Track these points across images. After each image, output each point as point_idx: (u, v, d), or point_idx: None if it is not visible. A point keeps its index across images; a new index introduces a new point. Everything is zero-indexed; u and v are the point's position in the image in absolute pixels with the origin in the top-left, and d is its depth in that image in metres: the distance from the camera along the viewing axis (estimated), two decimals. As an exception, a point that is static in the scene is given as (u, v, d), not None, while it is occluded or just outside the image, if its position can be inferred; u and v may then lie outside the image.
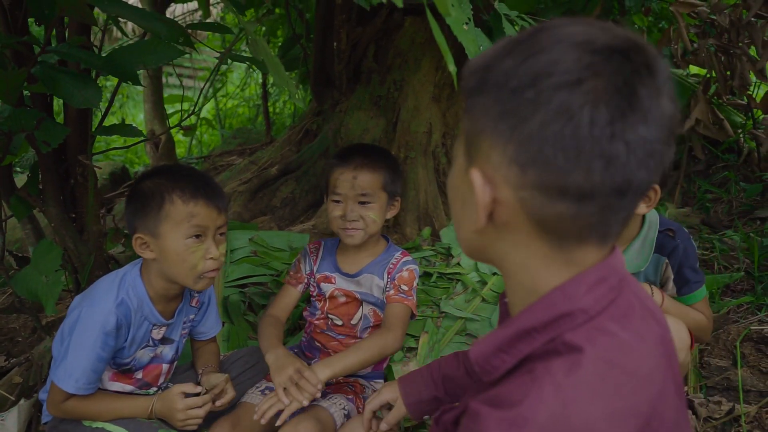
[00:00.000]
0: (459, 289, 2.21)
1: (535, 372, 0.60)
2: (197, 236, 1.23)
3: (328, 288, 1.61)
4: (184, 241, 1.21)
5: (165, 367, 1.41)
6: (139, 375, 1.37)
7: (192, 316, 1.45)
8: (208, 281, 1.28)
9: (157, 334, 1.35)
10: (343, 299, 1.60)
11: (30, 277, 1.54)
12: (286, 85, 1.25)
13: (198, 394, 1.30)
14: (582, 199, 0.57)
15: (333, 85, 3.02)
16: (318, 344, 1.64)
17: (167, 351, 1.39)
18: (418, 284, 1.58)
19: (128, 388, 1.36)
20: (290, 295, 1.64)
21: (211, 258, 1.24)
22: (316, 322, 1.64)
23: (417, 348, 1.87)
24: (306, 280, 1.65)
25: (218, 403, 1.35)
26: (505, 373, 0.66)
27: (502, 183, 0.60)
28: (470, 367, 0.99)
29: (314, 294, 1.65)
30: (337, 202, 1.51)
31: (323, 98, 3.09)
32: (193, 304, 1.44)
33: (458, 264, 2.39)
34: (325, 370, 1.34)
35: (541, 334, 0.62)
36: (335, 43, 2.78)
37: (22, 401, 1.57)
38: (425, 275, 2.32)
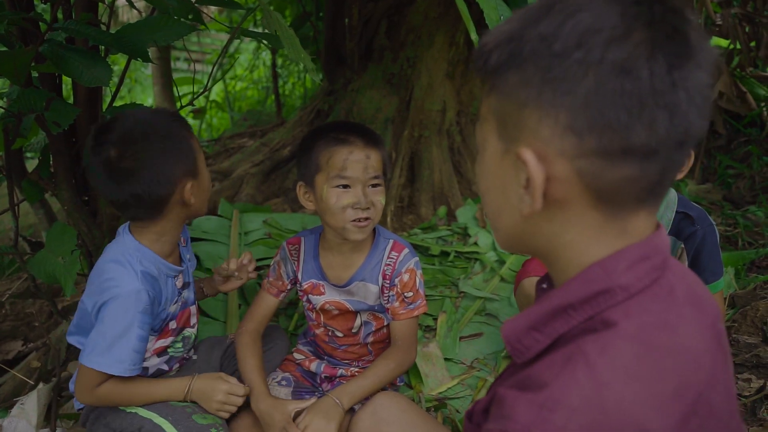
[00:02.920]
0: (477, 269, 2.18)
1: (567, 351, 0.56)
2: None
3: (318, 300, 1.45)
4: (207, 168, 1.29)
5: (192, 308, 1.41)
6: (173, 325, 1.36)
7: (188, 256, 1.45)
8: None
9: (179, 282, 1.34)
10: (336, 312, 1.45)
11: (46, 260, 1.52)
12: (300, 59, 1.20)
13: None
14: (647, 157, 0.54)
15: (345, 64, 2.96)
16: (325, 350, 1.54)
17: (187, 294, 1.39)
18: (422, 275, 1.43)
19: (169, 340, 1.35)
20: (269, 306, 1.48)
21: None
22: (317, 331, 1.52)
23: (436, 328, 1.84)
24: (288, 288, 1.49)
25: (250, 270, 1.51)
26: (539, 353, 0.62)
27: (556, 156, 0.56)
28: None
29: (303, 300, 1.51)
30: (345, 187, 1.28)
31: (335, 77, 3.03)
32: (183, 244, 1.43)
33: (476, 243, 2.35)
34: (347, 402, 1.30)
35: (578, 312, 0.59)
36: (346, 20, 2.71)
37: (40, 385, 1.57)
38: (443, 254, 2.28)
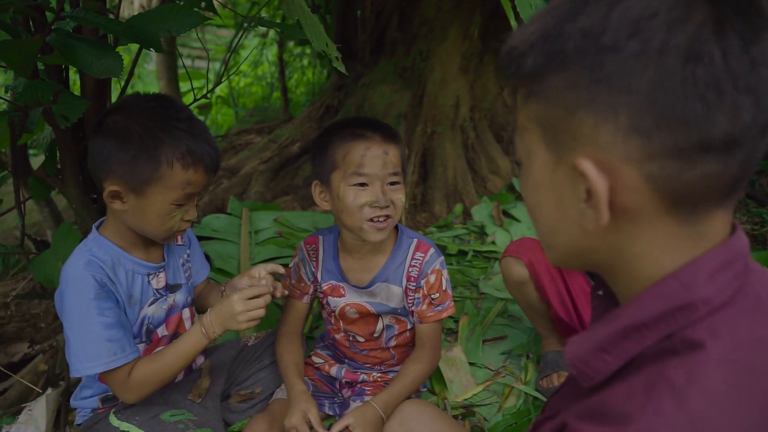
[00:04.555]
0: (497, 269, 2.11)
1: (648, 377, 0.50)
2: (183, 204, 1.14)
3: (337, 303, 1.39)
4: (169, 206, 1.12)
5: (186, 312, 1.32)
6: (164, 332, 1.27)
7: (186, 254, 1.35)
8: (176, 238, 1.26)
9: (158, 282, 1.24)
10: (356, 316, 1.39)
11: (48, 263, 1.46)
12: (326, 48, 1.13)
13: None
14: (729, 150, 0.47)
15: (355, 57, 2.89)
16: (344, 354, 1.49)
17: (179, 297, 1.29)
18: (448, 275, 1.38)
19: (161, 349, 1.26)
20: (298, 310, 1.44)
21: (188, 220, 1.18)
22: (337, 336, 1.46)
23: (457, 331, 1.77)
24: (312, 290, 1.43)
25: (278, 294, 1.24)
26: (608, 376, 0.56)
27: (620, 163, 0.49)
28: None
29: (323, 303, 1.45)
30: (362, 185, 1.21)
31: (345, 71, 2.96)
32: (179, 242, 1.34)
33: (493, 242, 2.28)
34: (390, 412, 1.25)
35: (652, 331, 0.52)
36: (359, 12, 2.64)
37: (49, 390, 1.51)
38: (460, 254, 2.21)
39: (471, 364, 1.63)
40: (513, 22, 1.04)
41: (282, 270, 1.26)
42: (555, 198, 0.56)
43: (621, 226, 0.53)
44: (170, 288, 1.27)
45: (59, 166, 1.54)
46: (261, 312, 1.15)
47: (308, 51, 4.65)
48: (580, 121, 0.50)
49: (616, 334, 0.54)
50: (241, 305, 1.14)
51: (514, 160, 3.02)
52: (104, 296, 1.11)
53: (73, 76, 3.46)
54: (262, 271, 1.24)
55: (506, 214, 2.55)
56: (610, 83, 0.47)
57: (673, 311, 0.51)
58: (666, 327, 0.52)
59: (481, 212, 2.52)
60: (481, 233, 2.39)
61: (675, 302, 0.51)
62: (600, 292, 0.71)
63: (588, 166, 0.50)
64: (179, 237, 1.34)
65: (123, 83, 1.55)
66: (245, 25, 1.47)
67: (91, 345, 1.09)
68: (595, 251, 0.57)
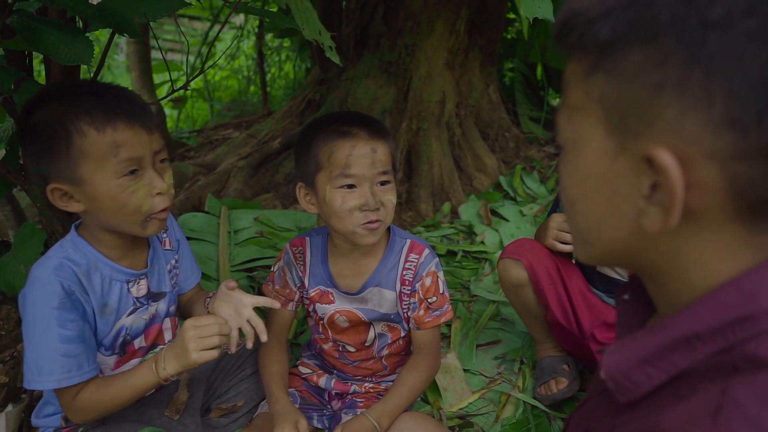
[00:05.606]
0: (487, 270, 2.05)
1: (709, 397, 0.45)
2: (132, 171, 0.97)
3: (326, 310, 1.30)
4: (117, 181, 0.96)
5: (167, 321, 1.21)
6: (141, 343, 1.17)
7: (174, 260, 1.24)
8: (159, 224, 1.03)
9: (138, 290, 1.13)
10: (346, 324, 1.30)
11: (8, 267, 1.34)
12: (318, 36, 1.05)
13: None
14: None
15: (339, 51, 2.79)
16: (333, 365, 1.41)
17: (162, 306, 1.19)
18: (443, 277, 1.30)
19: (137, 362, 1.16)
20: (283, 317, 1.34)
21: (159, 193, 1.00)
22: (325, 346, 1.37)
23: (449, 335, 1.70)
24: (297, 296, 1.33)
25: (232, 350, 1.12)
26: (649, 391, 0.50)
27: (702, 158, 0.43)
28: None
29: (309, 310, 1.36)
30: (351, 187, 1.13)
31: (327, 65, 2.86)
32: (167, 246, 1.23)
33: (482, 242, 2.22)
34: (386, 424, 1.19)
35: (706, 344, 0.47)
36: (343, 3, 2.54)
37: (9, 407, 1.38)
38: (449, 254, 2.14)
39: (465, 370, 1.56)
40: (524, 11, 0.98)
41: (278, 305, 1.16)
42: (607, 190, 0.49)
43: (681, 229, 0.47)
44: (152, 296, 1.16)
45: (21, 162, 1.42)
46: (215, 340, 1.01)
47: (286, 44, 4.53)
48: (664, 105, 0.43)
49: (663, 345, 0.49)
50: (191, 333, 1.01)
51: (500, 157, 2.97)
52: (69, 306, 1.00)
53: (38, 66, 3.27)
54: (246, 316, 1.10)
55: (494, 213, 2.50)
56: (710, 65, 0.41)
57: (732, 323, 0.46)
58: (723, 340, 0.47)
59: (469, 211, 2.46)
60: (470, 233, 2.33)
61: (735, 313, 0.46)
62: (626, 297, 0.65)
63: (667, 158, 0.43)
64: (165, 239, 1.23)
65: (92, 73, 1.43)
66: (229, 9, 1.36)
67: (45, 358, 0.99)
68: (642, 252, 0.51)
